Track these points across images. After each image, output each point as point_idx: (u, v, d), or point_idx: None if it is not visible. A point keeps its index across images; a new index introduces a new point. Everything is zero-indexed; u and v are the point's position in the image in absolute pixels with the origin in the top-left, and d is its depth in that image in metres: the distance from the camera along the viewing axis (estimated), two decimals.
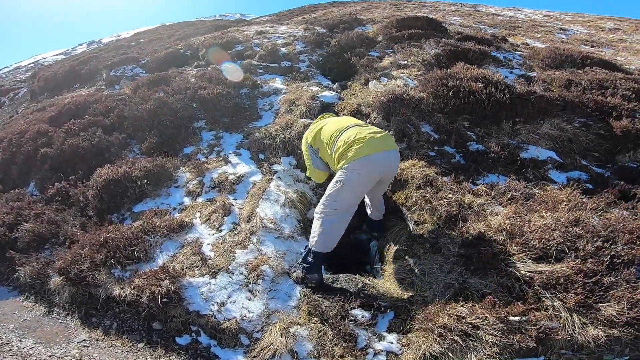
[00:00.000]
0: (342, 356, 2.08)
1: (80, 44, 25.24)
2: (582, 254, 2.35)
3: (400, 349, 2.18)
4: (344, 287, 2.74)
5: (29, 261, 2.94)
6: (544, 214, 2.91)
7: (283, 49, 6.68)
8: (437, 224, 3.13)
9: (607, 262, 2.27)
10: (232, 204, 3.36)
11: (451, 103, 3.89)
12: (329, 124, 2.86)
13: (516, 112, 3.89)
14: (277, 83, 5.93)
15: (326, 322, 2.29)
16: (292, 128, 4.31)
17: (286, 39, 7.33)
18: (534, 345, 1.89)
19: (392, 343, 2.22)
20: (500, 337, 1.92)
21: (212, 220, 3.14)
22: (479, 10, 13.13)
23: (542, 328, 1.93)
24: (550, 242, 2.40)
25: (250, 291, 2.45)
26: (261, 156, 4.21)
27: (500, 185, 3.31)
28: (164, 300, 2.17)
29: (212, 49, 6.93)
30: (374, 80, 5.05)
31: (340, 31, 7.91)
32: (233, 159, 4.15)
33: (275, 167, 4.00)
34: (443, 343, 1.99)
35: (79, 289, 2.57)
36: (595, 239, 2.44)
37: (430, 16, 8.17)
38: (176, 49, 7.88)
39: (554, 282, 2.19)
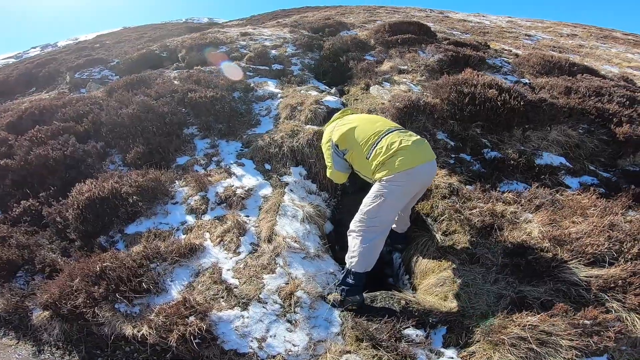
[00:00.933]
0: None
1: (34, 47, 23.29)
2: (628, 257, 2.38)
3: None
4: (386, 305, 2.55)
5: (1, 292, 2.42)
6: (575, 219, 2.94)
7: (273, 52, 6.43)
8: (471, 233, 3.05)
9: None
10: (246, 222, 3.04)
11: (467, 109, 3.89)
12: (362, 124, 2.62)
13: (527, 119, 3.97)
14: (271, 87, 5.66)
15: (380, 346, 2.09)
16: (299, 135, 4.07)
17: (274, 41, 7.09)
18: (614, 344, 1.86)
19: (452, 358, 2.08)
20: (578, 340, 1.86)
21: (226, 242, 2.80)
22: (448, 16, 13.75)
23: (619, 328, 1.90)
24: (600, 248, 2.40)
25: (289, 321, 2.17)
26: (267, 166, 3.92)
27: (525, 193, 3.32)
28: (197, 341, 1.83)
29: (194, 51, 6.50)
30: (376, 85, 4.97)
31: (326, 35, 7.82)
32: (236, 170, 3.81)
33: (286, 178, 3.73)
34: (518, 353, 1.89)
35: (73, 326, 2.13)
36: (635, 242, 2.48)
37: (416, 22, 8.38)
38: (150, 50, 7.32)
39: (612, 285, 2.18)
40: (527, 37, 11.38)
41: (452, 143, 3.97)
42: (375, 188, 2.47)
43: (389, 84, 4.98)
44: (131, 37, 11.94)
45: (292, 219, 3.14)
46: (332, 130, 2.76)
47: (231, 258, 2.64)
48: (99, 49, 10.17)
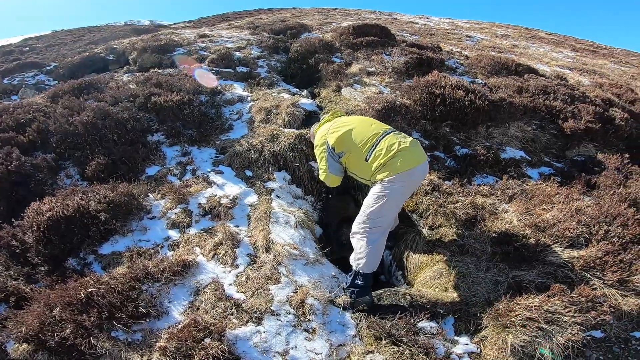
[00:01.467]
0: None
1: None
2: (598, 237, 2.73)
3: (478, 348, 2.20)
4: (393, 302, 2.63)
5: None
6: (544, 207, 3.30)
7: (237, 54, 6.23)
8: (456, 226, 3.27)
9: (618, 243, 2.68)
10: (238, 233, 2.92)
11: (438, 110, 4.15)
12: (359, 126, 2.65)
13: (490, 117, 4.36)
14: (239, 89, 5.49)
15: (400, 342, 2.15)
16: (279, 139, 4.00)
17: (237, 43, 6.86)
18: (609, 318, 2.13)
19: (467, 344, 2.22)
20: (579, 317, 2.09)
21: (220, 255, 2.66)
22: (396, 19, 14.52)
23: (610, 303, 2.18)
24: (575, 231, 2.73)
25: (306, 330, 2.14)
26: (248, 173, 3.79)
27: (498, 185, 3.64)
28: None
29: (147, 52, 6.04)
30: (348, 87, 5.08)
31: (288, 37, 7.80)
32: (216, 178, 3.64)
33: (270, 184, 3.65)
34: (529, 332, 2.07)
35: (64, 359, 1.86)
36: (601, 224, 2.86)
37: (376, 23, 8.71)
38: (94, 52, 6.66)
39: (592, 265, 2.49)
40: (468, 38, 12.40)
41: (427, 142, 4.21)
42: (376, 189, 2.53)
43: (359, 86, 5.12)
44: (67, 39, 10.75)
45: (285, 225, 3.08)
46: (326, 133, 2.76)
47: (230, 272, 2.51)
48: (29, 52, 8.99)
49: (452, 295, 2.65)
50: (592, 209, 3.10)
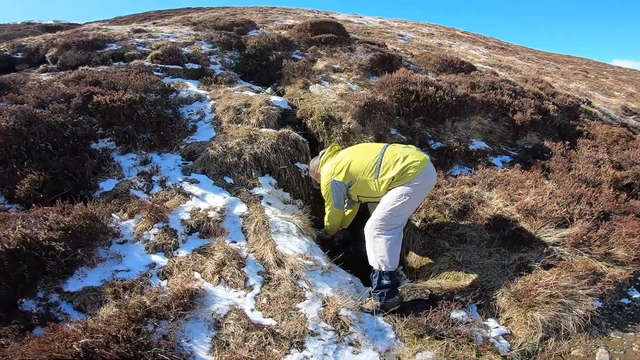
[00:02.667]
0: (479, 355, 2.07)
1: None
2: (576, 217, 3.10)
3: (507, 329, 2.30)
4: (415, 297, 2.63)
5: None
6: (520, 192, 3.64)
7: (185, 49, 5.60)
8: (450, 216, 3.41)
9: (591, 219, 3.07)
10: (239, 249, 2.59)
11: (412, 106, 4.29)
12: (356, 155, 2.70)
13: (456, 112, 4.68)
14: (193, 87, 4.95)
15: (442, 336, 2.16)
16: (259, 140, 3.69)
17: (182, 38, 6.15)
18: (613, 288, 2.41)
19: (498, 327, 2.32)
20: (590, 289, 2.32)
21: (228, 278, 2.32)
22: (334, 18, 14.82)
23: (611, 273, 2.46)
24: (559, 212, 3.05)
25: (351, 344, 1.98)
26: (229, 180, 3.42)
27: (477, 174, 3.90)
28: None
29: (70, 49, 5.04)
30: (317, 84, 4.97)
31: (235, 33, 7.34)
32: (192, 189, 3.19)
33: (257, 190, 3.34)
34: (553, 307, 2.23)
35: None
36: (574, 204, 3.25)
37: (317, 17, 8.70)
38: None
39: (580, 241, 2.80)
40: (400, 37, 13.22)
41: (404, 137, 4.32)
42: (398, 190, 2.48)
43: (328, 83, 5.04)
44: None
45: (287, 235, 2.84)
46: (332, 172, 2.74)
47: (246, 295, 2.20)
48: None
49: (467, 283, 2.74)
50: (560, 191, 3.52)
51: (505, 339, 2.22)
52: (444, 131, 4.71)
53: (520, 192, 3.59)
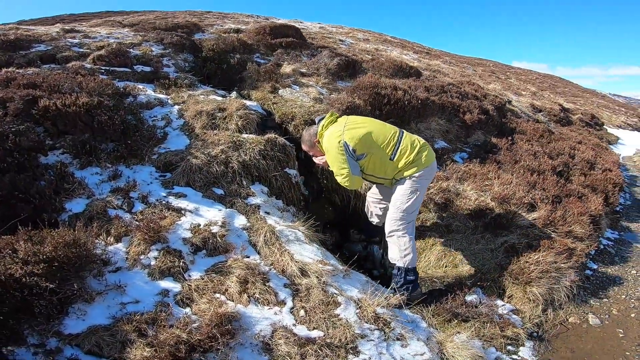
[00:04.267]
0: (503, 330, 2.35)
1: None
2: (538, 201, 3.63)
3: (512, 305, 2.62)
4: (430, 288, 2.84)
5: None
6: (487, 183, 4.13)
7: (134, 51, 5.00)
8: (434, 210, 3.70)
9: (549, 202, 3.64)
10: (257, 264, 2.46)
11: (385, 109, 4.54)
12: (376, 127, 2.65)
13: (419, 114, 5.08)
14: (150, 92, 4.49)
15: (468, 318, 2.40)
16: (245, 146, 3.52)
17: (125, 39, 5.45)
18: (585, 259, 2.89)
19: (504, 305, 2.62)
20: (570, 262, 2.76)
21: (256, 295, 2.18)
22: (274, 22, 14.82)
23: (580, 248, 2.95)
24: (526, 198, 3.54)
25: (397, 339, 2.08)
26: (218, 191, 3.19)
27: (448, 170, 4.31)
28: None
29: None
30: (287, 88, 4.92)
31: (186, 36, 6.85)
32: (181, 203, 2.91)
33: (252, 200, 3.20)
34: (547, 281, 2.60)
35: None
36: (533, 191, 3.81)
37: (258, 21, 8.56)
38: None
39: (547, 222, 3.30)
40: (341, 42, 13.75)
41: None
42: (407, 185, 2.61)
43: (298, 87, 5.03)
44: None
45: (298, 243, 2.79)
46: (341, 134, 2.60)
47: (281, 311, 2.10)
48: None
49: (465, 269, 3.02)
50: (518, 180, 4.08)
51: (515, 314, 2.52)
52: (410, 132, 5.07)
53: (487, 183, 4.07)
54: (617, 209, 4.87)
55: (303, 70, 5.34)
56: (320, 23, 16.12)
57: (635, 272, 3.16)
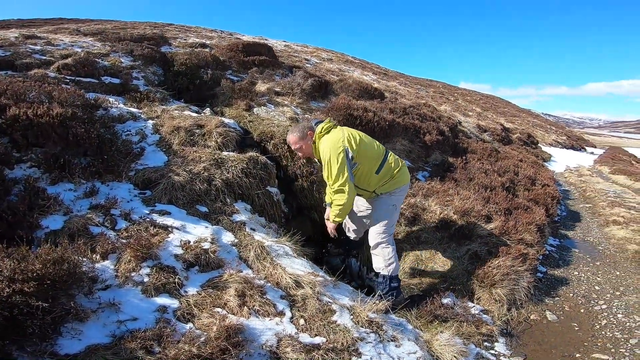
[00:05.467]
0: (478, 328, 2.66)
1: None
2: (492, 213, 4.15)
3: (481, 306, 2.98)
4: (410, 294, 3.12)
5: None
6: (448, 198, 4.61)
7: (102, 62, 4.82)
8: (404, 224, 4.06)
9: (502, 214, 4.18)
10: (252, 277, 2.55)
11: (358, 129, 4.89)
12: (370, 142, 2.87)
13: (386, 134, 5.53)
14: (121, 105, 4.38)
15: (447, 318, 2.70)
16: (228, 164, 3.60)
17: (91, 48, 5.21)
18: (537, 263, 3.36)
19: (475, 305, 2.98)
20: (524, 266, 3.20)
21: (256, 307, 2.27)
22: (239, 38, 14.92)
23: (531, 252, 3.43)
24: (483, 211, 4.04)
25: (391, 340, 2.29)
26: (202, 209, 3.23)
27: (415, 187, 4.74)
28: None
29: None
30: (262, 107, 5.09)
31: (156, 48, 6.75)
32: (167, 221, 2.91)
33: (237, 217, 3.27)
34: (509, 283, 3.00)
35: None
36: (488, 205, 4.34)
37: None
38: None
39: (503, 231, 3.79)
40: (307, 61, 14.24)
41: None
42: (386, 201, 2.92)
43: (273, 106, 5.23)
44: None
45: (287, 257, 2.92)
46: (344, 140, 2.66)
47: (282, 321, 2.22)
48: None
49: (437, 275, 3.37)
50: (477, 196, 4.62)
51: (485, 314, 2.88)
52: None
53: (448, 198, 4.55)
54: (556, 219, 5.66)
55: (277, 89, 5.56)
56: (285, 41, 16.60)
57: (577, 273, 3.75)
